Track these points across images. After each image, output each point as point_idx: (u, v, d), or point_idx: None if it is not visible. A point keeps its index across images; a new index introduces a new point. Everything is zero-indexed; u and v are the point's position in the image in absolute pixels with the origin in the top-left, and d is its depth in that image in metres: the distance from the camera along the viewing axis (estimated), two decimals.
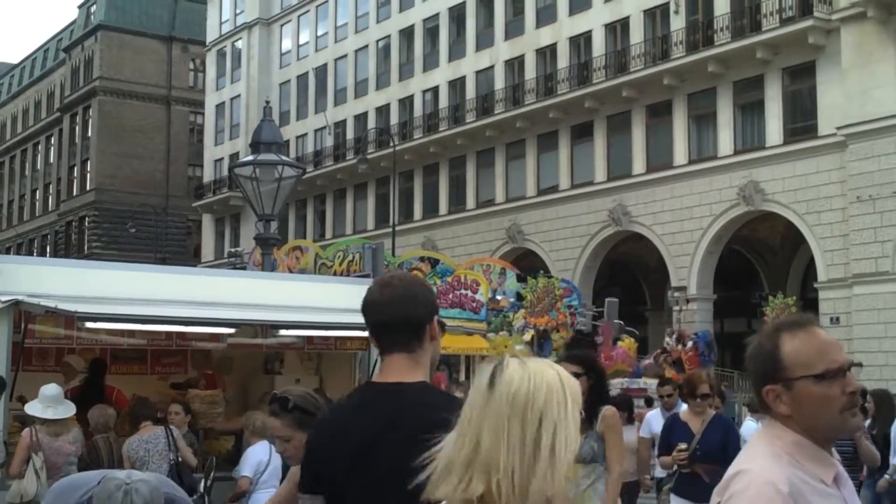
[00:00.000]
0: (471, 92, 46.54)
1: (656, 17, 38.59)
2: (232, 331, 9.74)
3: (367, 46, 53.64)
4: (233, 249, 47.49)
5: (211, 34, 66.29)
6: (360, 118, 53.38)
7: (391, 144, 44.90)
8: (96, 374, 9.95)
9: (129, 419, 8.75)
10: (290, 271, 21.93)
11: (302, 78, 58.40)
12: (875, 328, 29.84)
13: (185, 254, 66.43)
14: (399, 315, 3.00)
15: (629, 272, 43.85)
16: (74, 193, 73.62)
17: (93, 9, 73.96)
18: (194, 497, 7.89)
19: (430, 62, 49.47)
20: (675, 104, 37.47)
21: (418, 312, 3.02)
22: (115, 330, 9.27)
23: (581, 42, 41.63)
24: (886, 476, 10.19)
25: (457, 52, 47.94)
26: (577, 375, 4.85)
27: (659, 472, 9.97)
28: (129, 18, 71.73)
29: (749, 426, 12.72)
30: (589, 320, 27.68)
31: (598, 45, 40.57)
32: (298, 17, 59.59)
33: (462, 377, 24.15)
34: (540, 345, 23.84)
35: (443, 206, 47.72)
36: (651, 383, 22.55)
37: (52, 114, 79.05)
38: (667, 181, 37.11)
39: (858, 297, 30.57)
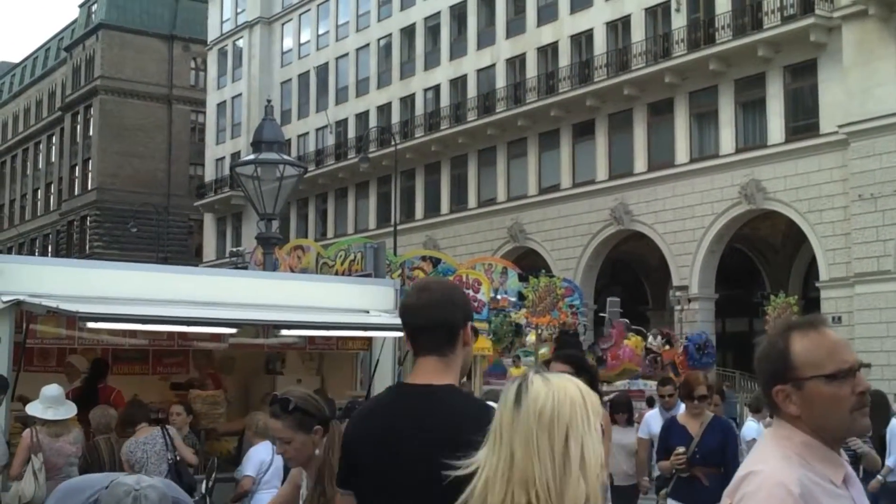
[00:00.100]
0: (472, 90, 46.53)
1: (657, 16, 38.57)
2: (233, 331, 9.73)
3: (368, 45, 53.64)
4: (234, 249, 47.60)
5: (212, 33, 66.30)
6: (362, 117, 53.37)
7: (392, 143, 44.88)
8: (97, 374, 9.94)
9: (124, 423, 8.72)
10: (292, 271, 21.91)
11: (303, 77, 58.40)
12: (877, 327, 29.82)
13: (186, 253, 66.44)
14: (434, 319, 3.08)
15: (631, 271, 43.83)
16: (76, 193, 73.63)
17: (94, 8, 73.96)
18: (196, 497, 7.88)
19: (432, 61, 49.46)
20: (676, 102, 37.45)
21: (453, 317, 3.10)
22: (117, 330, 9.26)
23: (582, 40, 41.61)
24: (879, 477, 10.17)
25: (458, 50, 47.93)
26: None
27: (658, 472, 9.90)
28: (130, 17, 71.72)
29: (750, 426, 12.68)
30: (591, 319, 27.68)
31: (600, 44, 40.55)
32: (300, 15, 59.59)
33: (464, 377, 24.11)
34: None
35: (444, 205, 47.71)
36: (652, 384, 22.55)
37: (54, 113, 79.05)
38: (668, 180, 37.10)
39: (860, 296, 30.55)
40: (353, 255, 21.54)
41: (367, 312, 10.15)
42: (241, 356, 11.09)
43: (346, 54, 55.09)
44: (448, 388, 3.03)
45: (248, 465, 8.44)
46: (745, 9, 35.16)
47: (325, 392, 10.47)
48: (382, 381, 10.39)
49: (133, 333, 9.67)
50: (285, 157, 13.65)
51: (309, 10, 58.69)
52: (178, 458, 8.38)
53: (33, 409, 8.23)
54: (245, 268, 27.65)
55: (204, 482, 8.16)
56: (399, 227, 42.39)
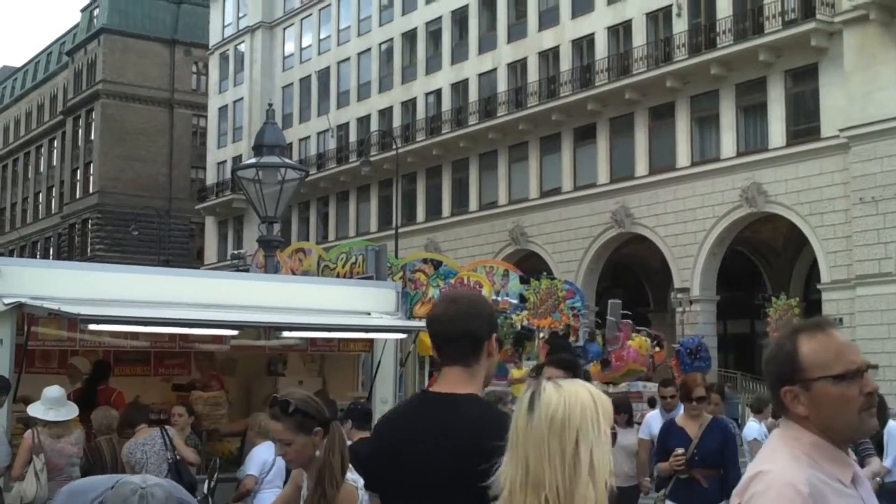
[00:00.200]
0: (473, 94, 46.56)
1: (659, 20, 38.59)
2: (235, 333, 9.75)
3: (369, 49, 53.68)
4: (236, 252, 47.57)
5: (214, 37, 66.36)
6: (363, 121, 53.41)
7: (394, 147, 44.89)
8: (98, 376, 9.96)
9: (124, 424, 8.74)
10: (293, 273, 21.93)
11: (305, 81, 58.44)
12: (878, 329, 29.83)
13: (188, 256, 66.43)
14: (460, 331, 3.16)
15: (632, 274, 43.83)
16: (77, 196, 73.66)
17: (95, 12, 74.02)
18: (198, 497, 7.89)
19: (433, 65, 49.49)
20: (677, 106, 37.47)
21: (478, 329, 3.18)
22: (118, 332, 9.29)
23: (584, 44, 41.63)
24: (877, 479, 10.17)
25: (459, 54, 47.96)
26: None
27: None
28: (132, 22, 71.77)
29: (752, 427, 12.67)
30: (592, 322, 27.65)
31: (601, 48, 40.57)
32: (301, 20, 59.64)
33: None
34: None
35: (446, 208, 47.73)
36: (651, 386, 22.54)
37: (55, 117, 79.10)
38: (669, 183, 37.11)
39: (861, 298, 30.56)
40: (354, 258, 21.56)
41: (369, 314, 10.18)
42: (242, 358, 11.12)
43: (348, 58, 55.13)
44: (471, 397, 3.11)
45: (251, 464, 8.45)
46: (746, 13, 35.17)
47: (326, 393, 10.49)
48: (384, 382, 10.42)
49: (134, 335, 9.70)
50: (287, 160, 13.68)
51: (310, 14, 58.74)
52: (177, 457, 8.40)
53: (35, 410, 8.24)
54: (246, 270, 27.65)
55: (206, 482, 8.17)
56: (400, 230, 42.40)
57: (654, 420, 10.23)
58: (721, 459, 7.61)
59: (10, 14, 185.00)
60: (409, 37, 51.09)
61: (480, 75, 46.56)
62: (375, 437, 3.38)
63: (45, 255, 76.00)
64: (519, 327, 25.01)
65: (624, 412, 11.33)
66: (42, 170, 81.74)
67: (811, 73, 33.50)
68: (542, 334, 24.81)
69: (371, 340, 10.55)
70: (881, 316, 29.93)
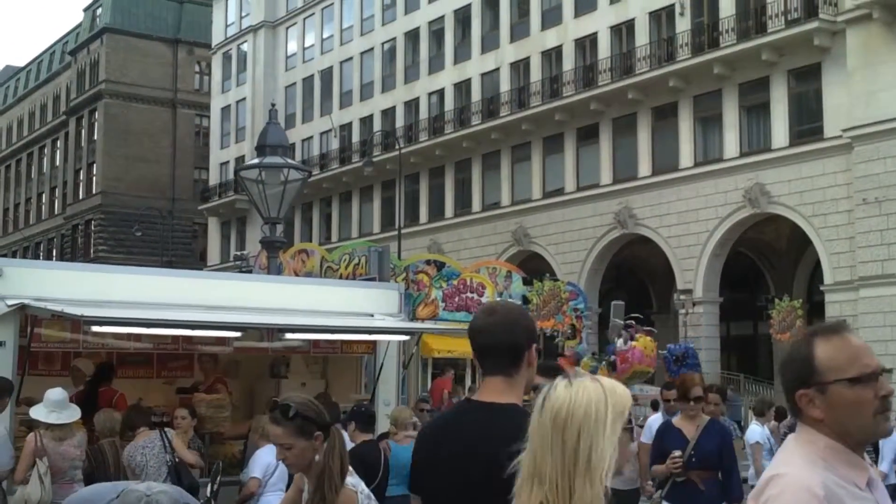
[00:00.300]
0: (476, 94, 46.55)
1: (662, 19, 38.57)
2: (238, 334, 9.74)
3: (372, 49, 53.68)
4: (238, 253, 47.51)
5: (216, 37, 66.39)
6: (366, 121, 53.40)
7: (397, 147, 44.89)
8: (100, 377, 9.94)
9: (125, 427, 8.72)
10: (296, 275, 21.92)
11: (307, 81, 58.45)
12: (881, 331, 29.76)
13: (191, 257, 66.48)
14: (500, 341, 3.26)
15: (635, 275, 43.79)
16: (80, 197, 73.71)
17: (98, 12, 74.07)
18: (200, 501, 7.87)
19: (436, 65, 49.49)
20: (680, 106, 37.44)
21: (518, 339, 3.27)
22: (121, 334, 9.28)
23: (586, 44, 41.61)
24: None
25: (462, 54, 47.95)
26: None
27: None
28: (135, 21, 71.83)
29: (754, 430, 12.66)
30: (595, 323, 27.57)
31: (604, 48, 40.55)
32: (304, 19, 59.65)
33: (468, 381, 24.08)
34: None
35: (448, 208, 47.72)
36: (648, 389, 22.49)
37: (58, 117, 79.15)
38: (673, 184, 37.07)
39: (865, 299, 30.51)
40: (357, 259, 21.56)
41: (372, 316, 10.18)
42: (245, 360, 11.11)
43: (351, 58, 55.13)
44: (511, 406, 3.20)
45: (255, 467, 8.43)
46: (749, 12, 35.14)
47: (329, 395, 10.48)
48: (386, 384, 10.41)
49: (137, 337, 9.69)
50: (289, 161, 13.68)
51: (313, 14, 58.74)
52: (176, 460, 8.38)
53: (37, 412, 8.23)
54: (249, 272, 27.63)
55: (209, 485, 8.15)
56: (403, 231, 42.40)
57: (656, 423, 10.19)
58: (719, 461, 7.50)
59: (12, 14, 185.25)
60: (412, 36, 51.09)
61: (483, 75, 46.55)
62: (420, 442, 3.54)
63: (48, 256, 76.07)
64: None
65: None
66: (45, 170, 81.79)
67: (814, 73, 33.47)
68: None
69: (374, 342, 10.55)
70: (884, 318, 29.87)
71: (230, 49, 64.72)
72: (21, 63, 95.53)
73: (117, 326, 8.49)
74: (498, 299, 21.05)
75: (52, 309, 8.01)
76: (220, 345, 10.40)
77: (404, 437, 9.11)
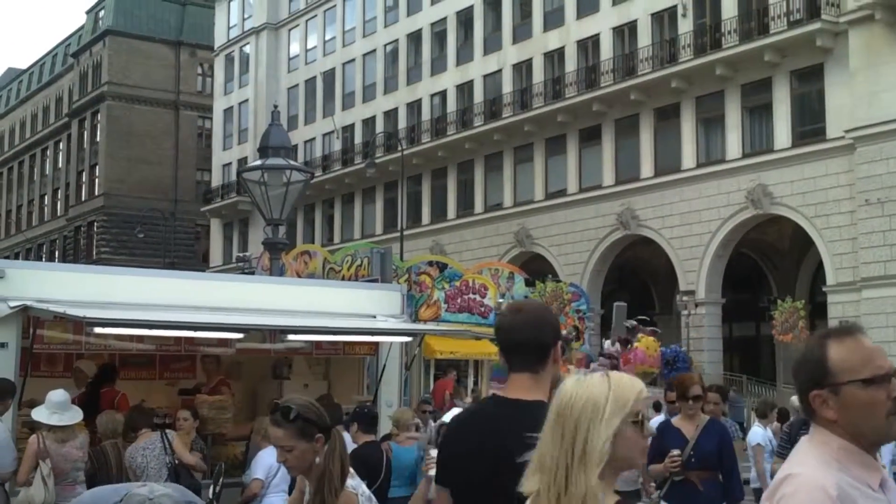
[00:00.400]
0: (479, 96, 46.55)
1: (664, 21, 38.56)
2: (240, 336, 9.73)
3: (374, 51, 53.69)
4: (241, 254, 47.51)
5: (219, 39, 66.41)
6: (368, 122, 53.42)
7: (399, 148, 44.86)
8: (102, 379, 9.94)
9: (127, 428, 8.72)
10: (299, 276, 21.89)
11: (310, 82, 58.48)
12: (884, 332, 29.70)
13: (193, 259, 66.49)
14: (527, 338, 3.37)
15: (638, 276, 43.76)
16: (83, 198, 73.75)
17: (101, 14, 74.14)
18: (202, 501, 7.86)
19: (438, 66, 49.50)
20: (682, 107, 37.43)
21: (544, 337, 3.38)
22: (124, 335, 9.28)
23: (589, 45, 41.61)
24: None
25: (464, 55, 47.96)
26: None
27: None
28: (138, 23, 71.87)
29: (756, 432, 12.64)
30: (598, 324, 27.51)
31: (606, 49, 40.55)
32: (306, 21, 59.67)
33: (470, 382, 24.07)
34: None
35: (451, 210, 47.72)
36: (651, 390, 22.40)
37: (61, 119, 79.20)
38: (675, 185, 37.05)
39: (867, 300, 30.48)
40: (359, 261, 21.52)
41: (374, 317, 10.17)
42: (248, 361, 11.11)
43: (353, 60, 55.15)
44: (537, 403, 3.25)
45: (257, 468, 8.44)
46: (751, 13, 35.13)
47: (331, 397, 10.48)
48: (389, 385, 10.40)
49: (140, 339, 9.69)
50: (292, 162, 13.68)
51: (315, 15, 58.77)
52: (176, 461, 8.38)
53: (39, 414, 8.22)
54: (252, 273, 27.61)
55: (211, 487, 8.15)
56: (406, 233, 42.36)
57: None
58: (718, 461, 7.43)
59: (15, 16, 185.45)
60: (415, 38, 51.10)
61: (486, 76, 46.56)
62: (447, 436, 3.65)
63: (51, 258, 76.09)
64: None
65: None
66: (47, 172, 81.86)
67: (816, 74, 33.45)
68: None
69: (376, 343, 10.54)
70: (887, 318, 29.83)
71: (232, 51, 64.75)
72: (24, 65, 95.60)
73: (120, 328, 8.49)
74: (522, 298, 21.06)
75: (55, 310, 8.01)
76: (223, 346, 10.40)
77: (406, 438, 9.11)
